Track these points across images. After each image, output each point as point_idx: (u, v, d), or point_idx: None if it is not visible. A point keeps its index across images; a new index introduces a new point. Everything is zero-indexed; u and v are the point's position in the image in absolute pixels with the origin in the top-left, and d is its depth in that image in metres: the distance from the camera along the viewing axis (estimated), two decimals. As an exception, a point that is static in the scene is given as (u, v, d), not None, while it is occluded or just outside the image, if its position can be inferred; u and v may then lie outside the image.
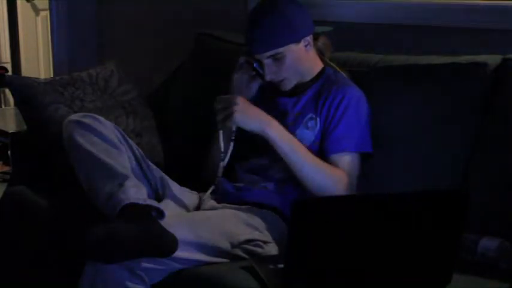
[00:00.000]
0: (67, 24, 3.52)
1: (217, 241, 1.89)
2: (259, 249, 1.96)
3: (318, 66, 2.24)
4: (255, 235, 1.97)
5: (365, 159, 2.14)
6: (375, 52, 2.40)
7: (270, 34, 2.10)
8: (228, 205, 2.08)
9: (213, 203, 2.13)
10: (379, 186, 2.13)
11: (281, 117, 2.19)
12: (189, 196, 2.18)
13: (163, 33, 3.29)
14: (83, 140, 2.00)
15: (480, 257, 1.85)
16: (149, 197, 1.97)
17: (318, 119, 2.15)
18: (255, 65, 2.17)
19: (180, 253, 1.80)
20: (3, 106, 4.90)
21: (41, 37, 5.08)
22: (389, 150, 2.16)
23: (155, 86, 2.86)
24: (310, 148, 2.13)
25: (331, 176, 2.05)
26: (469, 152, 2.08)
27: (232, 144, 2.08)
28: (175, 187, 2.17)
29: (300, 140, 2.14)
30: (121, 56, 2.90)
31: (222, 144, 2.09)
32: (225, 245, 1.90)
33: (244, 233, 1.96)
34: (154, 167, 2.17)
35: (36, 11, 5.07)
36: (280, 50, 2.11)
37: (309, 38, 2.17)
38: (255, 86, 2.25)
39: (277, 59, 2.13)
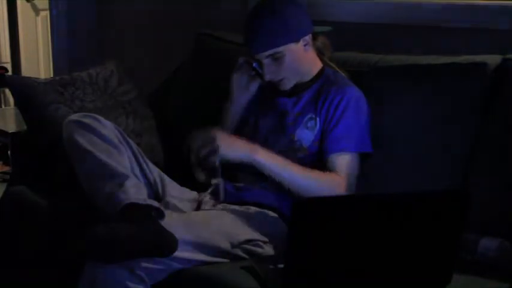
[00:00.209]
0: (67, 24, 3.52)
1: (217, 241, 1.89)
2: (259, 249, 1.96)
3: (318, 66, 2.24)
4: (255, 235, 1.97)
5: (365, 159, 2.14)
6: (375, 52, 2.40)
7: (269, 34, 2.10)
8: (228, 205, 2.08)
9: (212, 203, 2.13)
10: (379, 186, 2.13)
11: (281, 117, 2.20)
12: (189, 196, 2.18)
13: (163, 33, 3.29)
14: (83, 140, 2.00)
15: (480, 257, 1.85)
16: (149, 197, 1.97)
17: (318, 119, 2.15)
18: (254, 65, 2.17)
19: (180, 253, 1.80)
20: (3, 106, 4.90)
21: (41, 37, 5.08)
22: (389, 150, 2.16)
23: (155, 86, 2.87)
24: (310, 148, 2.13)
25: (326, 183, 2.04)
26: (469, 152, 2.08)
27: (222, 180, 2.07)
28: (175, 187, 2.18)
29: (300, 140, 2.14)
30: (121, 56, 2.90)
31: (203, 178, 2.07)
32: (225, 245, 1.90)
33: (244, 233, 1.96)
34: (154, 167, 2.17)
35: (36, 11, 5.07)
36: (279, 49, 2.11)
37: (308, 38, 2.17)
38: (254, 85, 2.25)
39: (277, 58, 2.13)
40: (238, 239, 1.93)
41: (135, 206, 1.86)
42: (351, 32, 2.57)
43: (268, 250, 1.98)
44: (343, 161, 2.09)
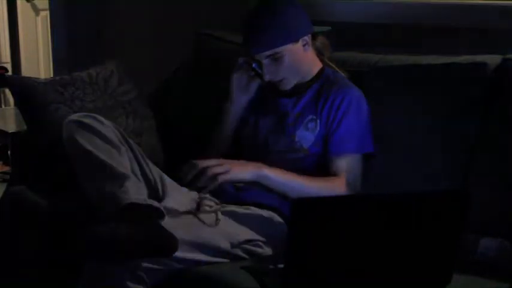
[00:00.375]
0: (67, 24, 3.52)
1: (217, 241, 1.89)
2: (259, 249, 1.96)
3: (317, 66, 2.24)
4: (255, 235, 1.97)
5: (367, 159, 2.14)
6: (375, 52, 2.40)
7: (268, 34, 2.10)
8: (228, 205, 2.08)
9: (212, 203, 2.13)
10: (379, 186, 2.13)
11: (281, 117, 2.20)
12: (189, 196, 2.18)
13: (163, 33, 3.29)
14: (83, 140, 2.00)
15: (480, 257, 1.85)
16: (149, 197, 1.97)
17: (319, 120, 2.15)
18: (253, 65, 2.18)
19: (180, 253, 1.80)
20: (3, 106, 4.90)
21: (41, 37, 5.08)
22: (389, 151, 2.16)
23: (155, 86, 2.86)
24: (310, 149, 2.13)
25: (333, 189, 2.05)
26: (469, 152, 2.08)
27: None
28: (175, 187, 2.17)
29: (300, 141, 2.14)
30: (121, 56, 2.90)
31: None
32: (225, 245, 1.90)
33: (244, 233, 1.96)
34: (154, 166, 2.17)
35: (36, 11, 5.07)
36: (279, 49, 2.11)
37: (308, 38, 2.17)
38: (254, 86, 2.26)
39: (276, 58, 2.13)
40: (238, 239, 1.93)
41: (135, 206, 1.86)
42: (351, 32, 2.57)
43: (268, 250, 1.98)
44: (347, 163, 2.09)
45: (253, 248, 1.95)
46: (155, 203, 1.90)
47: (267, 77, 2.16)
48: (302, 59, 2.17)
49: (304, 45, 2.16)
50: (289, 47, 2.12)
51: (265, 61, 2.13)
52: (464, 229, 1.62)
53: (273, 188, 2.05)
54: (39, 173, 2.41)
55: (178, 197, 2.13)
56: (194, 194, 2.19)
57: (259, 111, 2.26)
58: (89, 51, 3.43)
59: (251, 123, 2.26)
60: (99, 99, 2.43)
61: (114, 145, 2.01)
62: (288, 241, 1.57)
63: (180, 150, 2.56)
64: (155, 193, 2.12)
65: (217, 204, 2.09)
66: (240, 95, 2.27)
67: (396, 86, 2.25)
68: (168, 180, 2.17)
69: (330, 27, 2.29)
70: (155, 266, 1.80)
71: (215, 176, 2.00)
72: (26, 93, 2.37)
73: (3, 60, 4.97)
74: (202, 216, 1.93)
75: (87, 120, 2.03)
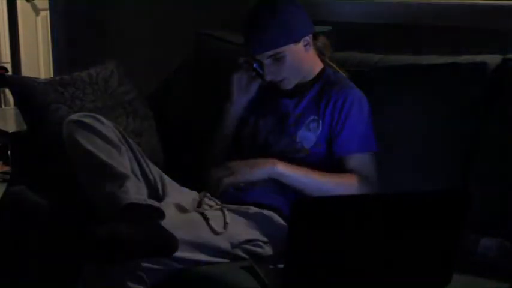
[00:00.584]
0: (67, 24, 3.52)
1: (217, 241, 1.89)
2: (259, 249, 1.96)
3: (318, 66, 2.24)
4: (255, 235, 1.97)
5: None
6: (375, 52, 2.40)
7: (269, 34, 2.10)
8: (228, 205, 2.08)
9: (213, 203, 2.13)
10: (379, 186, 2.13)
11: (282, 118, 2.20)
12: (189, 196, 2.18)
13: (163, 33, 3.29)
14: (83, 139, 2.00)
15: (480, 257, 1.85)
16: (149, 197, 1.97)
17: (321, 121, 2.15)
18: (254, 65, 2.18)
19: (180, 253, 1.80)
20: (3, 106, 4.90)
21: (41, 37, 5.08)
22: (389, 150, 2.16)
23: (155, 86, 2.86)
24: (312, 150, 2.13)
25: (346, 185, 2.05)
26: (469, 152, 2.08)
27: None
28: (175, 187, 2.17)
29: (301, 141, 2.14)
30: (121, 56, 2.90)
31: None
32: (225, 245, 1.90)
33: (244, 233, 1.96)
34: (154, 166, 2.17)
35: (36, 11, 5.07)
36: (280, 50, 2.11)
37: (309, 38, 2.17)
38: (254, 86, 2.26)
39: (277, 59, 2.13)
40: (238, 239, 1.93)
41: (135, 206, 1.86)
42: (351, 32, 2.57)
43: (268, 250, 1.98)
44: (356, 162, 2.09)
45: (253, 248, 1.95)
46: (155, 203, 1.90)
47: (268, 77, 2.16)
48: (303, 59, 2.17)
49: (305, 46, 2.16)
50: (291, 47, 2.12)
51: (266, 61, 2.13)
52: (464, 229, 1.62)
53: (287, 184, 2.05)
54: (39, 173, 2.41)
55: (178, 197, 2.13)
56: (195, 194, 2.20)
57: (259, 112, 2.26)
58: (89, 51, 3.43)
59: (251, 124, 2.26)
60: (99, 99, 2.43)
61: (114, 145, 2.02)
62: (288, 241, 1.57)
63: (180, 150, 2.57)
64: (155, 193, 2.12)
65: (217, 204, 2.09)
66: (241, 95, 2.27)
67: (396, 86, 2.24)
68: (168, 180, 2.17)
69: (330, 27, 2.29)
70: (155, 266, 1.80)
71: (220, 180, 2.01)
72: (26, 93, 2.37)
73: (3, 60, 4.97)
74: (211, 222, 1.93)
75: (87, 120, 2.04)
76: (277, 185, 2.11)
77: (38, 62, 5.08)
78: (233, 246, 1.92)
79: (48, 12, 3.96)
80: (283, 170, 2.05)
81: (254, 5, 2.17)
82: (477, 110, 2.10)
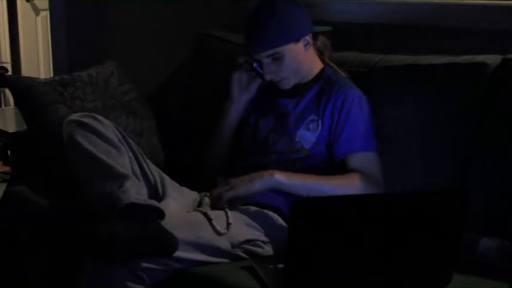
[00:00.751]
0: (67, 24, 3.52)
1: (217, 241, 1.89)
2: (259, 249, 1.96)
3: (318, 66, 2.24)
4: (255, 235, 1.97)
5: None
6: (375, 52, 2.40)
7: (269, 34, 2.10)
8: (228, 205, 2.08)
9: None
10: (383, 185, 2.13)
11: (281, 117, 2.20)
12: (189, 196, 2.18)
13: (163, 33, 3.29)
14: (83, 139, 2.00)
15: (480, 257, 1.85)
16: (149, 197, 1.97)
17: (320, 121, 2.15)
18: (254, 64, 2.18)
19: (180, 253, 1.80)
20: (3, 106, 4.90)
21: (41, 37, 5.08)
22: (389, 150, 2.16)
23: (155, 86, 2.86)
24: (311, 151, 2.13)
25: (349, 186, 2.04)
26: (468, 152, 2.08)
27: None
28: (175, 187, 2.17)
29: (301, 141, 2.14)
30: (121, 56, 2.90)
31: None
32: (225, 245, 1.90)
33: (244, 233, 1.96)
34: (154, 166, 2.17)
35: (36, 11, 5.07)
36: (279, 49, 2.11)
37: (308, 38, 2.17)
38: (254, 86, 2.26)
39: (277, 58, 2.13)
40: (238, 239, 1.93)
41: (135, 206, 1.86)
42: (351, 32, 2.57)
43: (268, 250, 1.98)
44: (358, 161, 2.09)
45: (253, 248, 1.95)
46: (155, 203, 1.91)
47: (267, 77, 2.16)
48: (303, 58, 2.17)
49: (305, 45, 2.16)
50: (290, 47, 2.12)
51: (265, 61, 2.13)
52: (464, 229, 1.62)
53: (288, 192, 2.05)
54: (39, 173, 2.41)
55: (178, 197, 2.13)
56: (195, 194, 2.20)
57: (259, 111, 2.26)
58: (89, 51, 3.43)
59: (251, 123, 2.26)
60: (99, 99, 2.43)
61: (114, 145, 2.02)
62: (288, 241, 1.57)
63: (180, 150, 2.57)
64: (155, 193, 2.12)
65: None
66: (241, 95, 2.27)
67: (396, 86, 2.24)
68: (168, 180, 2.17)
69: (330, 27, 2.29)
70: (155, 266, 1.80)
71: (220, 195, 2.01)
72: (26, 93, 2.37)
73: (3, 60, 4.97)
74: (214, 222, 1.93)
75: (87, 120, 2.04)
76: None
77: (38, 62, 5.08)
78: (233, 246, 1.92)
79: (48, 12, 3.96)
80: (282, 178, 2.04)
81: (255, 5, 2.17)
82: (477, 110, 2.10)
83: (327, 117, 2.14)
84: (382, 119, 2.18)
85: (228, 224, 1.94)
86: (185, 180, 2.23)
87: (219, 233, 1.90)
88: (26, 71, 4.77)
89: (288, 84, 2.18)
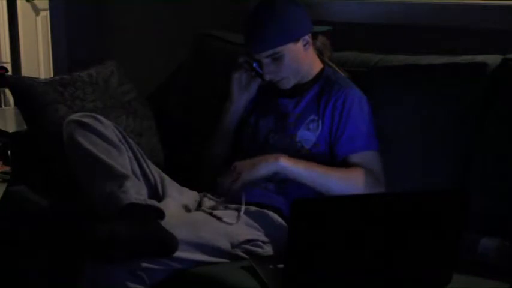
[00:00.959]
0: (67, 24, 3.52)
1: (217, 241, 1.89)
2: (259, 249, 1.96)
3: (318, 66, 2.24)
4: (255, 235, 1.97)
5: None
6: (375, 52, 2.40)
7: (269, 33, 2.10)
8: (229, 205, 2.08)
9: (213, 203, 2.13)
10: (384, 184, 2.13)
11: (281, 117, 2.20)
12: (189, 196, 2.18)
13: (163, 33, 3.29)
14: (83, 139, 2.00)
15: (480, 257, 1.85)
16: (149, 197, 1.97)
17: (321, 121, 2.15)
18: (254, 64, 2.18)
19: (180, 253, 1.80)
20: (3, 106, 4.90)
21: (41, 37, 5.08)
22: (389, 150, 2.16)
23: (155, 86, 2.86)
24: (311, 150, 2.13)
25: (352, 180, 2.05)
26: (468, 152, 2.08)
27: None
28: (175, 187, 2.17)
29: (301, 141, 2.14)
30: (121, 56, 2.90)
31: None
32: (225, 245, 1.90)
33: (244, 233, 1.96)
34: (154, 166, 2.17)
35: (36, 11, 5.07)
36: (279, 49, 2.11)
37: (308, 38, 2.17)
38: (254, 86, 2.26)
39: (276, 58, 2.13)
40: (238, 239, 1.93)
41: (135, 206, 1.86)
42: (351, 32, 2.57)
43: (268, 250, 1.98)
44: (360, 159, 2.09)
45: (253, 248, 1.95)
46: (155, 203, 1.91)
47: (267, 77, 2.16)
48: (302, 58, 2.17)
49: (305, 45, 2.16)
50: (290, 47, 2.12)
51: (265, 61, 2.13)
52: (464, 229, 1.62)
53: (292, 178, 2.05)
54: (39, 173, 2.41)
55: (178, 197, 2.13)
56: (195, 194, 2.20)
57: (259, 111, 2.26)
58: (89, 51, 3.43)
59: (251, 123, 2.26)
60: (99, 99, 2.43)
61: (114, 145, 2.02)
62: (288, 241, 1.57)
63: (180, 150, 2.57)
64: (155, 193, 2.12)
65: (217, 204, 2.09)
66: (240, 95, 2.27)
67: (396, 86, 2.24)
68: (168, 180, 2.17)
69: (330, 27, 2.29)
70: (155, 266, 1.80)
71: (229, 187, 2.04)
72: (26, 93, 2.37)
73: (3, 60, 4.97)
74: (225, 219, 1.93)
75: (87, 120, 2.04)
76: (278, 185, 2.11)
77: (38, 62, 5.08)
78: (233, 246, 1.92)
79: (48, 12, 3.96)
80: (287, 163, 2.04)
81: (255, 5, 2.17)
82: (477, 110, 2.10)
83: (327, 117, 2.14)
84: (382, 119, 2.18)
85: (239, 215, 1.96)
86: (185, 180, 2.23)
87: (229, 224, 1.92)
88: (26, 71, 4.77)
89: (288, 84, 2.18)
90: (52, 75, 3.60)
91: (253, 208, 2.06)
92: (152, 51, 3.34)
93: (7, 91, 4.70)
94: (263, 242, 1.98)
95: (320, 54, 2.27)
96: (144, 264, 1.79)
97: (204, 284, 1.81)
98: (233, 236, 1.93)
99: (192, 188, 2.21)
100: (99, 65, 2.56)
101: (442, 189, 1.89)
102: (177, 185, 2.19)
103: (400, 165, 2.15)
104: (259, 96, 2.27)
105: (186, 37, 2.88)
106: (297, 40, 2.14)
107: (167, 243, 1.78)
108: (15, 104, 2.98)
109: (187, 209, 2.12)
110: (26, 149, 2.51)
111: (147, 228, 1.78)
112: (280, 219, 2.05)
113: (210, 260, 1.87)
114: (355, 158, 2.10)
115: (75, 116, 2.08)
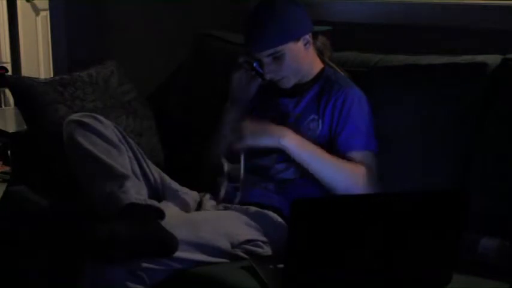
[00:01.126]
0: (67, 24, 3.52)
1: (217, 241, 1.89)
2: (259, 249, 1.96)
3: (318, 65, 2.24)
4: (255, 235, 1.97)
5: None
6: (375, 52, 2.40)
7: (269, 33, 2.10)
8: (229, 205, 2.08)
9: (213, 203, 2.13)
10: (379, 186, 2.13)
11: (281, 117, 2.20)
12: (189, 196, 2.18)
13: (163, 33, 3.29)
14: (83, 139, 2.00)
15: (480, 257, 1.85)
16: (149, 197, 1.97)
17: (321, 120, 2.15)
18: (254, 64, 2.18)
19: (180, 253, 1.80)
20: (3, 106, 4.90)
21: (41, 37, 5.08)
22: (388, 150, 2.16)
23: (155, 86, 2.86)
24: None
25: (352, 173, 2.05)
26: (468, 152, 2.08)
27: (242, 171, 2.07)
28: (175, 187, 2.18)
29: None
30: (121, 56, 2.90)
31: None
32: (225, 245, 1.90)
33: (244, 233, 1.96)
34: (154, 166, 2.17)
35: (36, 11, 5.07)
36: (279, 48, 2.12)
37: (308, 37, 2.17)
38: (254, 85, 2.25)
39: (277, 57, 2.13)
40: (238, 239, 1.93)
41: (135, 206, 1.86)
42: (351, 32, 2.57)
43: (268, 250, 1.98)
44: (358, 157, 2.09)
45: (253, 248, 1.95)
46: (155, 203, 1.91)
47: (267, 76, 2.16)
48: (303, 58, 2.17)
49: (305, 45, 2.16)
50: (290, 46, 2.12)
51: (266, 60, 2.14)
52: (464, 229, 1.62)
53: (292, 157, 2.05)
54: (39, 173, 2.41)
55: (178, 197, 2.13)
56: (195, 194, 2.20)
57: (260, 111, 2.26)
58: (89, 51, 3.43)
59: (251, 123, 2.26)
60: (99, 99, 2.43)
61: (114, 145, 2.02)
62: (288, 241, 1.57)
63: (180, 150, 2.57)
64: (155, 193, 2.12)
65: (217, 204, 2.09)
66: (240, 95, 2.27)
67: (396, 86, 2.24)
68: (168, 180, 2.17)
69: (330, 27, 2.29)
70: (155, 266, 1.80)
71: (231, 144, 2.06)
72: (26, 93, 2.37)
73: (3, 60, 4.97)
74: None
75: (87, 120, 2.04)
76: (278, 185, 2.11)
77: (38, 62, 5.08)
78: (233, 246, 1.92)
79: (48, 12, 3.96)
80: (290, 144, 2.05)
81: (255, 5, 2.17)
82: (477, 110, 2.10)
83: (327, 116, 2.14)
84: (382, 119, 2.18)
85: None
86: (185, 180, 2.23)
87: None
88: (26, 71, 4.77)
89: (288, 83, 2.18)
90: (52, 75, 3.60)
91: (253, 208, 2.06)
92: (152, 51, 3.33)
93: (7, 91, 4.70)
94: (263, 242, 1.98)
95: (320, 54, 2.27)
96: (144, 264, 1.79)
97: (204, 284, 1.81)
98: (233, 236, 1.93)
99: (192, 188, 2.21)
100: (99, 65, 2.56)
101: (442, 189, 1.89)
102: (177, 185, 2.19)
103: (400, 165, 2.15)
104: (259, 96, 2.27)
105: (186, 37, 2.88)
106: (297, 39, 2.14)
107: (167, 243, 1.78)
108: (15, 104, 2.98)
109: (187, 209, 2.12)
110: (26, 149, 2.51)
111: (147, 228, 1.78)
112: (280, 219, 2.05)
113: (210, 260, 1.87)
114: (354, 155, 2.10)
115: (75, 116, 2.08)
